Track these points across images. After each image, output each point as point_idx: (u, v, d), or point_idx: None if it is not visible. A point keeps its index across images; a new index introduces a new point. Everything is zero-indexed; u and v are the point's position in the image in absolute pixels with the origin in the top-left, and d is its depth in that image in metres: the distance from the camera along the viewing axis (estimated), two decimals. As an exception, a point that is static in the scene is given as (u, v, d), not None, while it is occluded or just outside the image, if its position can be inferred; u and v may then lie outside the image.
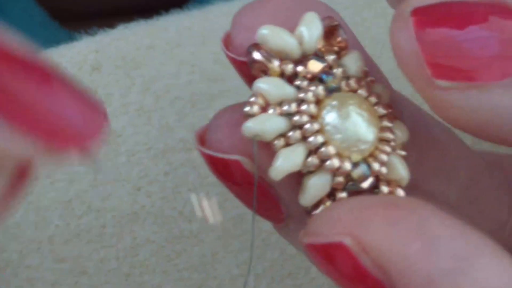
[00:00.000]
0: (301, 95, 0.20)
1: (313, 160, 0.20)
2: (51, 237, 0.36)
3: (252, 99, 0.20)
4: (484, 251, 0.17)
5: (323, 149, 0.19)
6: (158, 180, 0.37)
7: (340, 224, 0.18)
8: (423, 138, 0.23)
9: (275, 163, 0.20)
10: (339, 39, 0.21)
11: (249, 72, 0.21)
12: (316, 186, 0.20)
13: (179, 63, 0.40)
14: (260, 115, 0.20)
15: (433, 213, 0.18)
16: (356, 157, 0.20)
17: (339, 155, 0.20)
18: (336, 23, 0.21)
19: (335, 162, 0.19)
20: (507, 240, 0.24)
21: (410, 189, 0.22)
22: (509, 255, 0.19)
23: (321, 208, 0.20)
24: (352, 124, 0.20)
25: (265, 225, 0.36)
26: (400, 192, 0.21)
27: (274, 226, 0.23)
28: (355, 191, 0.20)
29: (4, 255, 0.36)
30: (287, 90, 0.20)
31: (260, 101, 0.20)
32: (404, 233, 0.17)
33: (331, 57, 0.21)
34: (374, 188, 0.21)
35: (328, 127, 0.20)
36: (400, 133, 0.21)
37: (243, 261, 0.36)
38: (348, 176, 0.20)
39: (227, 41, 0.22)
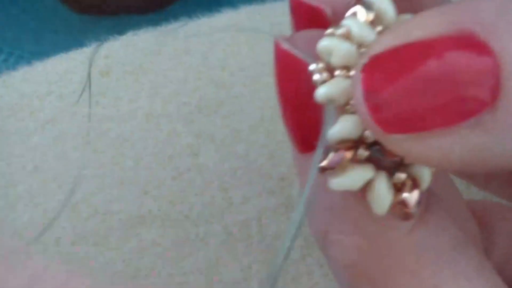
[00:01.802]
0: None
1: None
2: (57, 239, 0.37)
3: (316, 65, 0.20)
4: None
5: None
6: (165, 184, 0.37)
7: None
8: None
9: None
10: None
11: (305, 15, 0.22)
12: (348, 125, 0.20)
13: (186, 69, 0.40)
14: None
15: None
16: None
17: None
18: None
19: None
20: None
21: None
22: None
23: (329, 156, 0.20)
24: None
25: (270, 231, 0.37)
26: (415, 195, 0.21)
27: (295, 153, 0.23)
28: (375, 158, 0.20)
29: (11, 256, 0.36)
30: (371, 34, 0.20)
31: (321, 65, 0.20)
32: None
33: None
34: None
35: None
36: None
37: (247, 265, 0.36)
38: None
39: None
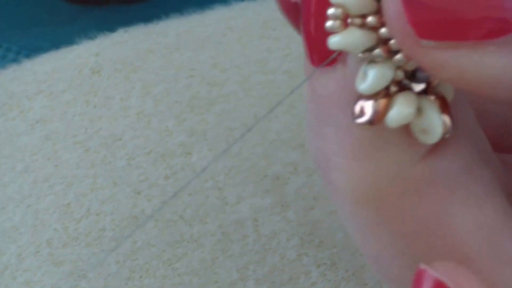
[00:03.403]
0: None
1: (381, 52, 0.19)
2: (49, 241, 0.36)
3: (332, 11, 0.20)
4: None
5: (393, 41, 0.19)
6: (158, 184, 0.37)
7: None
8: None
9: (336, 36, 0.19)
10: None
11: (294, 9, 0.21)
12: (380, 77, 0.19)
13: (178, 67, 0.40)
14: (346, 30, 0.19)
15: None
16: None
17: None
18: None
19: (403, 57, 0.19)
20: None
21: None
22: None
23: (379, 97, 0.20)
24: None
25: (265, 230, 0.36)
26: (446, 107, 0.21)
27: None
28: (406, 88, 0.20)
29: (2, 258, 0.36)
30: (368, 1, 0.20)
31: (340, 12, 0.20)
32: None
33: None
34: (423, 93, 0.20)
35: None
36: None
37: (243, 266, 0.36)
38: (409, 75, 0.20)
39: None
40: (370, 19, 0.19)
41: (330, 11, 0.19)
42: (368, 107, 0.20)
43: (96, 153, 0.38)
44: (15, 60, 0.42)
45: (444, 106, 0.20)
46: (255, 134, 0.38)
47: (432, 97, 0.20)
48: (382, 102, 0.19)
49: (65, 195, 0.37)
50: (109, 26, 0.41)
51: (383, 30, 0.19)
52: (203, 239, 0.36)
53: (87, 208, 0.37)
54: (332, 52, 0.20)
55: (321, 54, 0.21)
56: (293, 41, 0.41)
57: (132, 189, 0.37)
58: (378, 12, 0.19)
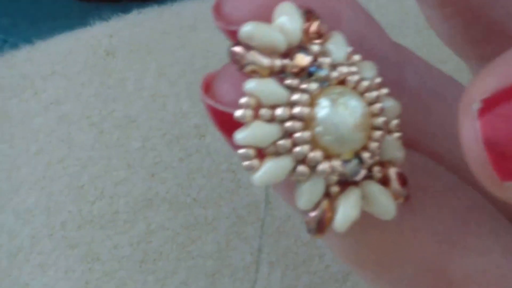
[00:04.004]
0: (295, 97, 0.19)
1: (303, 169, 0.19)
2: (63, 223, 0.36)
3: (244, 100, 0.20)
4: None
5: (311, 155, 0.19)
6: (173, 166, 0.37)
7: None
8: (429, 94, 0.23)
9: (257, 173, 0.19)
10: (317, 25, 0.20)
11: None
12: (311, 191, 0.19)
13: (193, 48, 0.40)
14: (252, 125, 0.19)
15: None
16: (347, 154, 0.19)
17: (328, 156, 0.19)
18: (309, 10, 0.20)
19: (326, 166, 0.19)
20: None
21: (415, 150, 0.21)
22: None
23: (319, 209, 0.20)
24: (343, 124, 0.19)
25: (279, 213, 0.36)
26: (393, 174, 0.20)
27: None
28: (348, 183, 0.20)
29: (16, 241, 0.36)
30: (280, 92, 0.19)
31: (253, 102, 0.19)
32: None
33: (315, 47, 0.20)
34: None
35: (318, 128, 0.19)
36: (392, 110, 0.20)
37: (257, 248, 0.36)
38: (340, 173, 0.19)
39: (218, 10, 0.21)
40: (279, 111, 0.19)
41: (242, 100, 0.19)
42: (312, 221, 0.20)
43: (110, 135, 0.38)
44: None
45: (393, 176, 0.20)
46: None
47: (377, 174, 0.20)
48: (325, 211, 0.19)
49: (79, 177, 0.37)
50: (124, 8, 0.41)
51: (288, 124, 0.19)
52: (217, 222, 0.36)
53: (101, 191, 0.37)
54: None
55: None
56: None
57: (147, 171, 0.37)
58: (288, 104, 0.19)
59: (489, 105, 0.16)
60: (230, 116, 0.19)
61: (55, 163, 0.37)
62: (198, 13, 0.41)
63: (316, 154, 0.19)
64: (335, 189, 0.19)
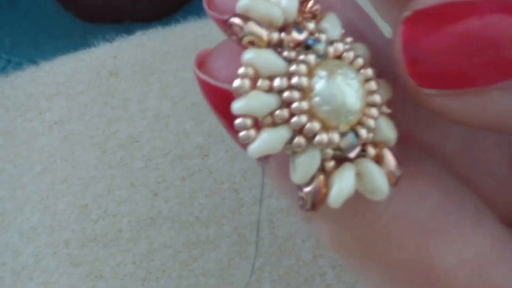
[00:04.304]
0: (293, 67, 0.19)
1: (300, 140, 0.19)
2: (67, 241, 0.37)
3: (242, 70, 0.19)
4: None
5: (308, 125, 0.19)
6: (175, 185, 0.37)
7: None
8: None
9: (253, 144, 0.19)
10: (311, 5, 0.21)
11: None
12: (307, 164, 0.19)
13: (195, 70, 0.40)
14: (249, 94, 0.19)
15: None
16: (344, 127, 0.19)
17: (325, 127, 0.19)
18: None
19: (323, 137, 0.19)
20: (508, 197, 0.24)
21: (405, 141, 0.22)
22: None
23: (314, 183, 0.20)
24: (341, 94, 0.19)
25: (281, 232, 0.37)
26: (387, 154, 0.20)
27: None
28: (343, 158, 0.20)
29: (20, 259, 0.36)
30: (278, 62, 0.20)
31: (251, 72, 0.20)
32: None
33: (310, 25, 0.20)
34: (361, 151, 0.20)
35: (316, 99, 0.19)
36: (384, 92, 0.21)
37: (258, 267, 0.36)
38: (336, 146, 0.20)
39: (209, 1, 0.22)
40: (277, 81, 0.19)
41: (241, 70, 0.19)
42: (307, 195, 0.20)
43: (114, 155, 0.38)
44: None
45: (387, 155, 0.20)
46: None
47: (372, 152, 0.20)
48: (320, 186, 0.19)
49: (83, 196, 0.37)
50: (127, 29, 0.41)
51: (286, 94, 0.19)
52: (219, 241, 0.36)
53: (104, 209, 0.37)
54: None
55: None
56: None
57: (149, 191, 0.37)
58: (286, 74, 0.19)
59: (417, 16, 0.18)
60: (223, 93, 0.20)
61: (58, 183, 0.38)
62: (200, 34, 0.41)
63: (314, 125, 0.19)
64: (330, 164, 0.19)
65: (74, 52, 0.41)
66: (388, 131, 0.20)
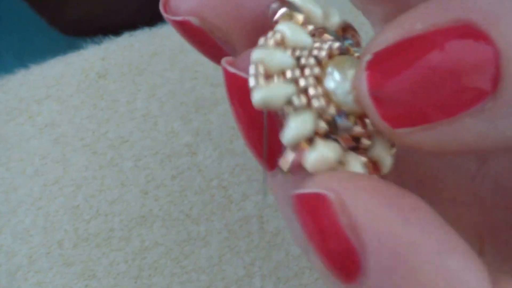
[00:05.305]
0: (317, 44, 0.20)
1: (301, 99, 0.20)
2: (60, 242, 0.37)
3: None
4: (457, 249, 0.18)
5: (312, 89, 0.19)
6: (165, 184, 0.38)
7: (327, 180, 0.18)
8: None
9: (260, 90, 0.19)
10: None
11: (190, 31, 0.22)
12: (299, 127, 0.20)
13: (182, 70, 0.41)
14: (268, 85, 0.20)
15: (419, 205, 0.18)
16: (347, 109, 0.20)
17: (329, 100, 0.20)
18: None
19: (322, 102, 0.19)
20: (477, 192, 0.24)
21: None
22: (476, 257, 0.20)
23: (298, 147, 0.20)
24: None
25: (271, 227, 0.37)
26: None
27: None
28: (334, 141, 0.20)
29: (14, 260, 0.37)
30: (305, 38, 0.20)
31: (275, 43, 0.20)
32: (387, 211, 0.17)
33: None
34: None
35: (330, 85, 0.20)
36: None
37: (249, 263, 0.36)
38: (331, 124, 0.20)
39: (165, 5, 0.23)
40: (288, 73, 0.20)
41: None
42: (288, 156, 0.20)
43: (104, 155, 0.38)
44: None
45: (374, 169, 0.20)
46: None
47: (362, 158, 0.20)
48: (303, 147, 0.20)
49: (75, 197, 0.38)
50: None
51: (302, 81, 0.20)
52: (210, 237, 0.37)
53: (96, 209, 0.37)
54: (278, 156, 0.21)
55: (270, 162, 0.22)
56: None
57: (140, 190, 0.38)
58: (297, 66, 0.20)
59: (378, 58, 0.18)
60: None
61: (51, 184, 0.38)
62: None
63: (318, 89, 0.19)
64: (319, 139, 0.20)
65: (63, 55, 0.42)
66: (386, 160, 0.21)
